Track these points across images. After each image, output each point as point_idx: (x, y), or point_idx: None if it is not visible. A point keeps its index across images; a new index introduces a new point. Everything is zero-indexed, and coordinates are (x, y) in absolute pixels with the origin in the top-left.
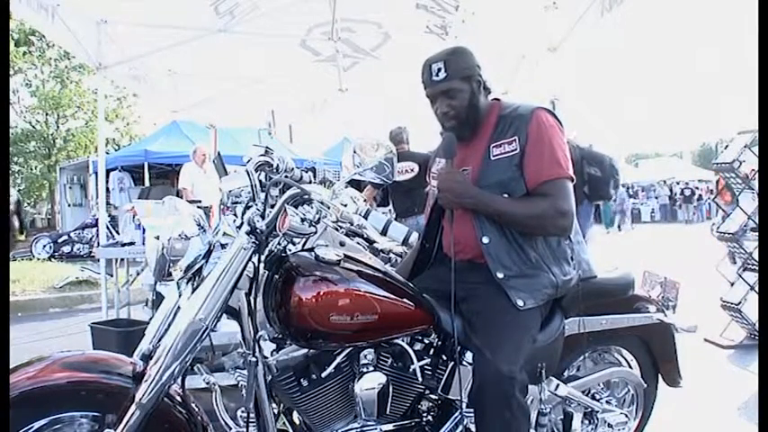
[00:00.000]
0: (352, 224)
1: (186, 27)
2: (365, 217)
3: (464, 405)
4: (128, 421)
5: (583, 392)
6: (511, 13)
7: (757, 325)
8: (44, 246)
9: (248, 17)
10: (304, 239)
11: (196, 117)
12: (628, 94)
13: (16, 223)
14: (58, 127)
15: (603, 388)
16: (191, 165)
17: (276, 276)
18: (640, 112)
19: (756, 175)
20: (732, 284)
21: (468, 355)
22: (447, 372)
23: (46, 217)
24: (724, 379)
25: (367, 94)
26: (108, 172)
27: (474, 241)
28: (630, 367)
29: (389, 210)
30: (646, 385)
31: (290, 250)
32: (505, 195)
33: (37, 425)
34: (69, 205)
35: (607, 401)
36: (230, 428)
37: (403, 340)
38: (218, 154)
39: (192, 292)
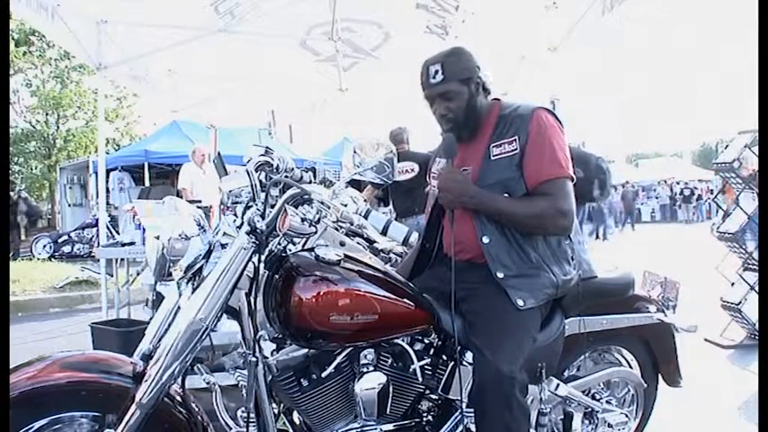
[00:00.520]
0: (352, 224)
1: (186, 27)
2: (365, 217)
3: (464, 405)
4: (128, 421)
5: (583, 392)
6: (511, 13)
7: (757, 325)
8: (44, 246)
9: (248, 17)
10: (304, 239)
11: (196, 117)
12: (628, 94)
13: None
14: (58, 127)
15: (603, 388)
16: (190, 165)
17: (276, 276)
18: (640, 112)
19: (756, 175)
20: (732, 284)
21: (469, 355)
22: (447, 372)
23: (46, 217)
24: (724, 379)
25: (367, 94)
26: (108, 172)
27: (474, 241)
28: (630, 367)
29: (389, 210)
30: (646, 385)
31: (290, 250)
32: (506, 195)
33: (37, 425)
34: (69, 205)
35: (607, 401)
36: (230, 428)
37: (403, 340)
38: (219, 154)
39: (192, 292)
